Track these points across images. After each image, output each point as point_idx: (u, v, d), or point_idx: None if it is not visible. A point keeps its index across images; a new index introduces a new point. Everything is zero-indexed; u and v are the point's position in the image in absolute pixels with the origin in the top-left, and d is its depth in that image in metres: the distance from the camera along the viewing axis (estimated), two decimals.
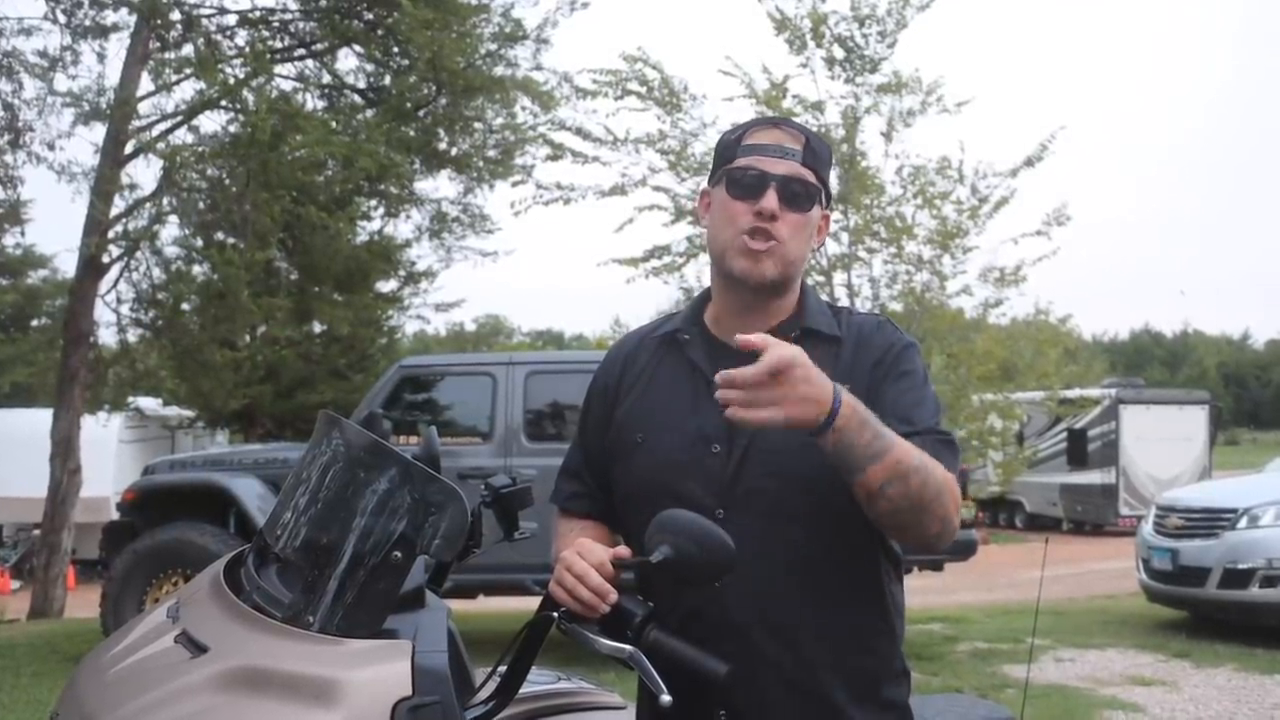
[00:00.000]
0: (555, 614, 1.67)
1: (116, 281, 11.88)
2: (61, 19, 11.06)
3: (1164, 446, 21.23)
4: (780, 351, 1.55)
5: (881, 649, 1.81)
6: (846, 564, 1.75)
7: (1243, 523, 8.83)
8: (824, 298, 1.99)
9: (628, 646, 1.60)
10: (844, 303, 12.20)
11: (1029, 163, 12.09)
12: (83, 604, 10.92)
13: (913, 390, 1.79)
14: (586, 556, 1.65)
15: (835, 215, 12.12)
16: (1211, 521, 9.02)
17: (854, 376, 1.76)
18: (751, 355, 1.69)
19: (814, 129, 11.68)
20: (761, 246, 1.78)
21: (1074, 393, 20.38)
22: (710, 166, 1.95)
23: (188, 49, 11.47)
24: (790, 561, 1.71)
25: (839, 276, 12.33)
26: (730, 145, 1.86)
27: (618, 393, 1.92)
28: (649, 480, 1.79)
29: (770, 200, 1.77)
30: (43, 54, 11.12)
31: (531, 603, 1.80)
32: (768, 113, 11.75)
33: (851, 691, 1.75)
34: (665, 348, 1.91)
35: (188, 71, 11.28)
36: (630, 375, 1.92)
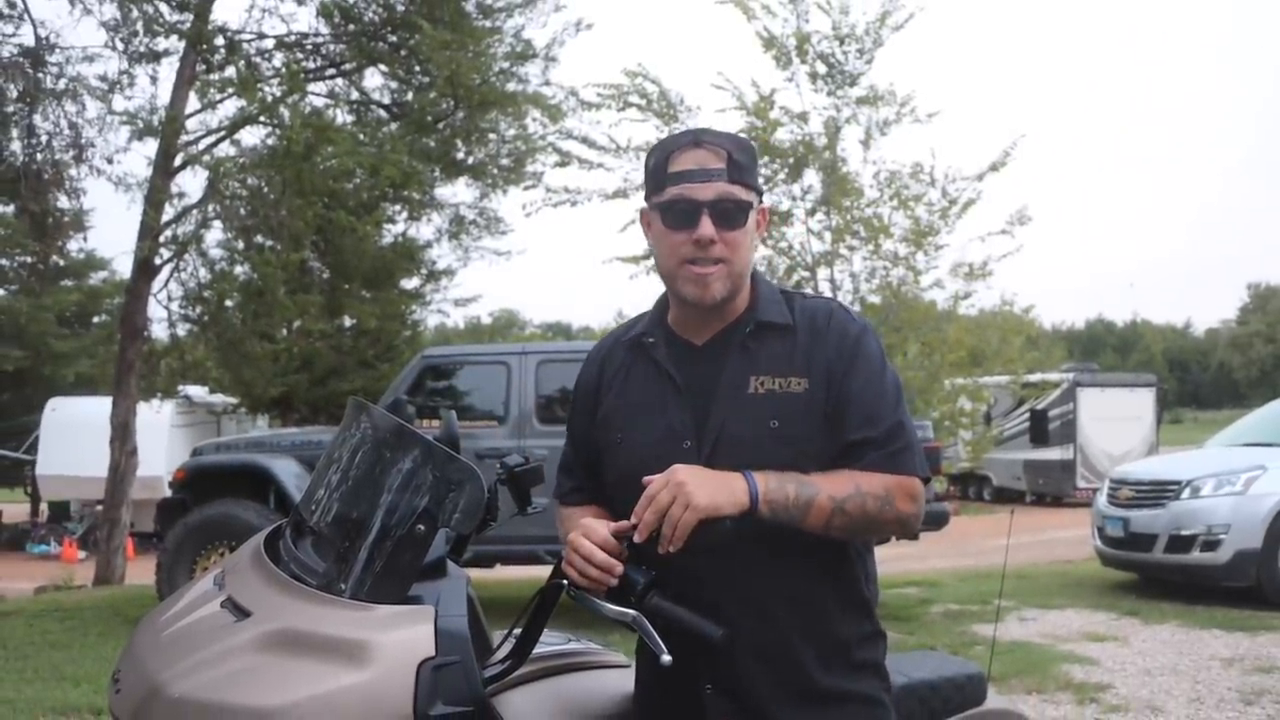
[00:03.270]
0: (565, 582, 1.67)
1: (167, 281, 11.87)
2: (119, 46, 11.06)
3: (1116, 425, 21.22)
4: (655, 490, 1.58)
5: (852, 616, 1.78)
6: (814, 540, 1.69)
7: (1186, 494, 8.82)
8: (774, 282, 1.93)
9: (631, 611, 1.60)
10: (812, 294, 12.20)
11: (993, 168, 12.09)
12: (140, 572, 10.94)
13: (873, 383, 1.73)
14: (591, 536, 1.64)
15: (819, 216, 12.13)
16: (1159, 493, 9.02)
17: (811, 365, 1.73)
18: (709, 352, 1.77)
19: (801, 136, 11.77)
20: (707, 271, 1.72)
21: (1036, 377, 20.36)
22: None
23: (230, 71, 11.43)
24: (760, 540, 1.67)
25: (823, 272, 12.33)
26: (658, 171, 1.77)
27: (598, 393, 1.89)
28: (629, 474, 1.74)
29: (705, 228, 1.70)
30: (103, 78, 11.12)
31: (543, 571, 1.81)
32: (756, 123, 11.73)
33: (822, 658, 1.73)
34: (635, 351, 1.86)
35: (230, 91, 11.25)
36: (607, 376, 1.89)
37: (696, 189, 1.71)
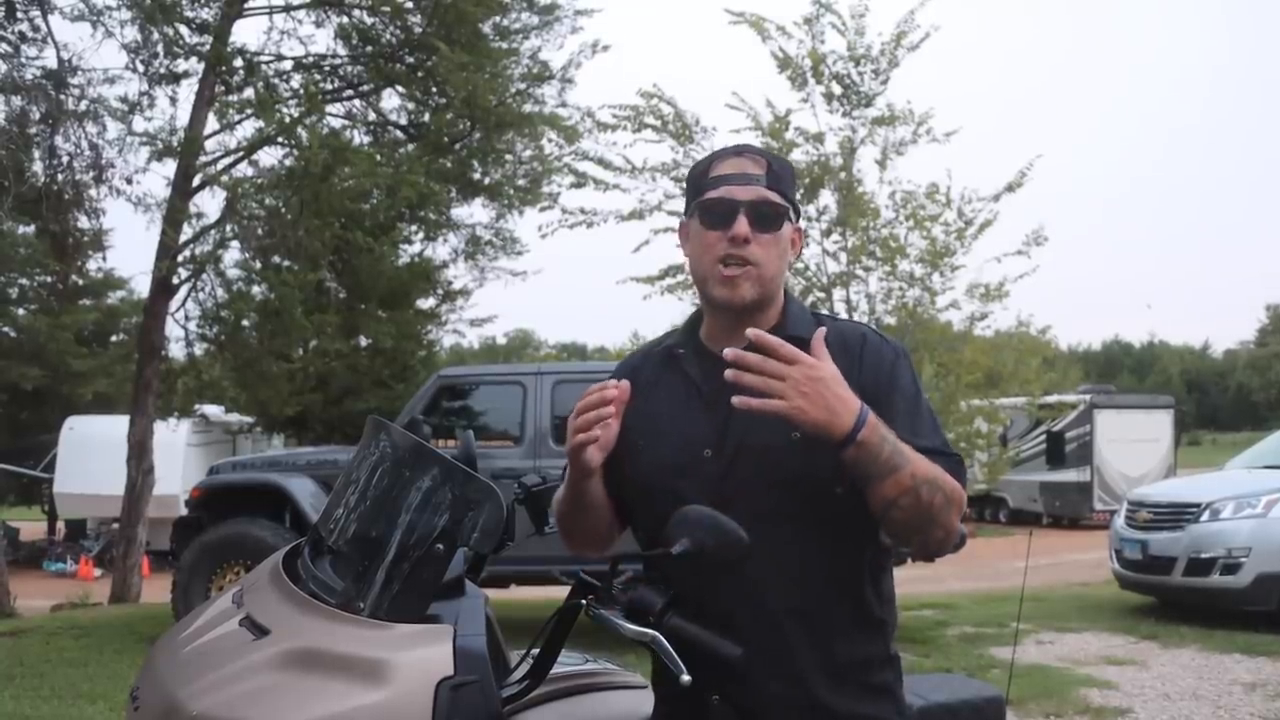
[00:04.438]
0: (583, 601, 1.67)
1: (185, 301, 11.97)
2: (140, 68, 11.21)
3: (1134, 447, 21.08)
4: (830, 366, 1.57)
5: (867, 638, 1.75)
6: (833, 559, 1.70)
7: (1205, 516, 8.74)
8: (807, 305, 1.96)
9: (650, 631, 1.59)
10: (843, 318, 12.21)
11: (1010, 188, 12.05)
12: (156, 590, 10.98)
13: (913, 409, 1.72)
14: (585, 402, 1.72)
15: (834, 236, 12.11)
16: (1177, 515, 8.94)
17: None
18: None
19: (816, 157, 11.79)
20: (737, 272, 1.74)
21: (1052, 398, 20.29)
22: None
23: (249, 92, 11.56)
24: (778, 557, 1.67)
25: (838, 293, 12.30)
26: (700, 178, 1.82)
27: (627, 403, 1.89)
28: (650, 482, 1.76)
29: (741, 226, 1.74)
30: (123, 99, 11.25)
31: (560, 591, 1.80)
32: (773, 145, 11.76)
33: (834, 678, 1.70)
34: (665, 362, 1.88)
35: (249, 112, 11.38)
36: (636, 389, 1.86)
37: (737, 190, 1.76)
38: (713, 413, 1.74)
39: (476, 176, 12.49)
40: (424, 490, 1.69)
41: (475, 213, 13.93)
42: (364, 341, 16.22)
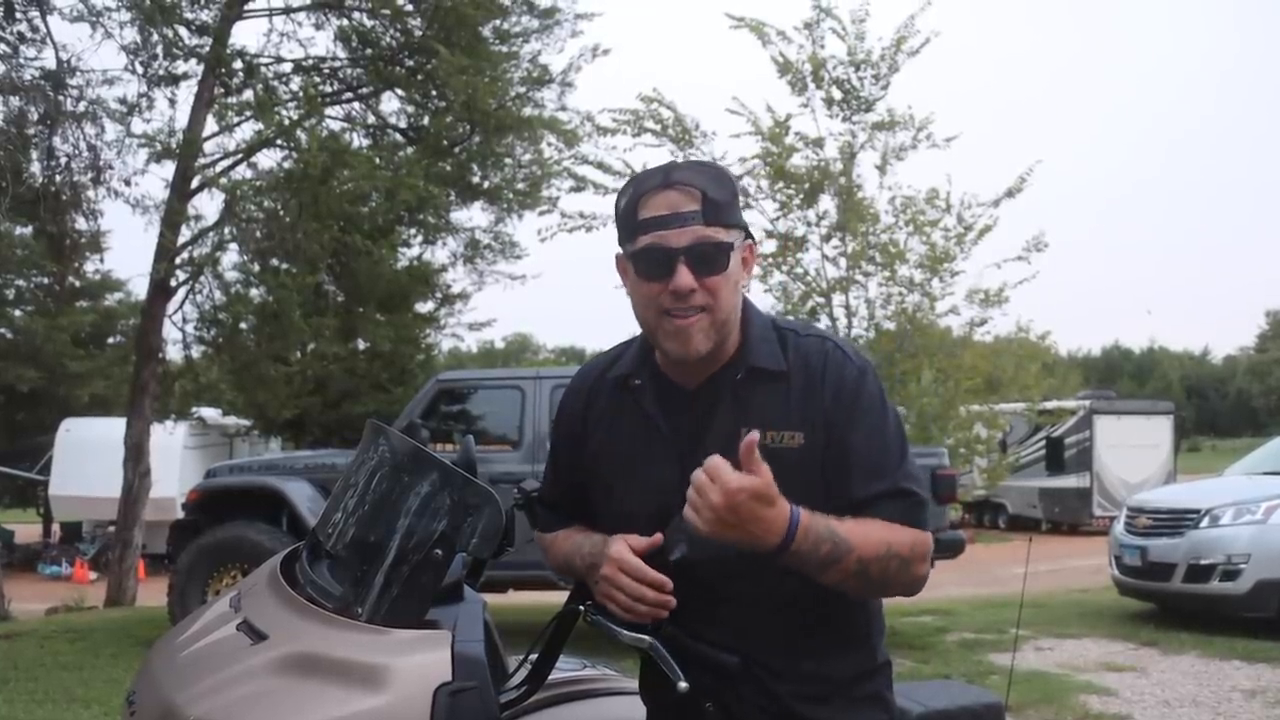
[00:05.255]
0: (581, 607, 1.67)
1: (182, 303, 11.97)
2: (139, 70, 11.20)
3: (1133, 453, 21.07)
4: (745, 484, 1.47)
5: (854, 651, 1.74)
6: (814, 586, 1.63)
7: (1205, 522, 8.74)
8: (769, 313, 1.82)
9: (648, 638, 1.59)
10: (842, 323, 12.31)
11: (1009, 194, 12.07)
12: (152, 594, 10.96)
13: (876, 434, 1.66)
14: (628, 569, 1.60)
15: (834, 241, 12.13)
16: (1177, 521, 8.94)
17: (807, 415, 1.66)
18: (700, 398, 1.69)
19: (816, 161, 11.80)
20: (687, 322, 1.63)
21: (1052, 404, 20.25)
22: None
23: (248, 94, 11.56)
24: (763, 584, 1.64)
25: (838, 298, 12.33)
26: (629, 217, 1.67)
27: (584, 431, 1.82)
28: (620, 526, 1.70)
29: (683, 278, 1.61)
30: (122, 101, 11.25)
31: (558, 596, 1.80)
32: (771, 148, 11.77)
33: (821, 694, 1.69)
34: (621, 391, 1.78)
35: (248, 114, 11.39)
36: (593, 414, 1.82)
37: (671, 235, 1.62)
38: (677, 454, 1.68)
39: (476, 180, 12.50)
40: (422, 495, 1.69)
41: (474, 216, 13.96)
42: (362, 345, 16.23)
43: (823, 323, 12.07)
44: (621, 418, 1.77)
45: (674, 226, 1.62)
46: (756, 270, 12.34)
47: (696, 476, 1.50)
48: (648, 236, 1.63)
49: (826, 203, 12.15)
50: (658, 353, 1.75)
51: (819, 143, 12.00)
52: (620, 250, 1.73)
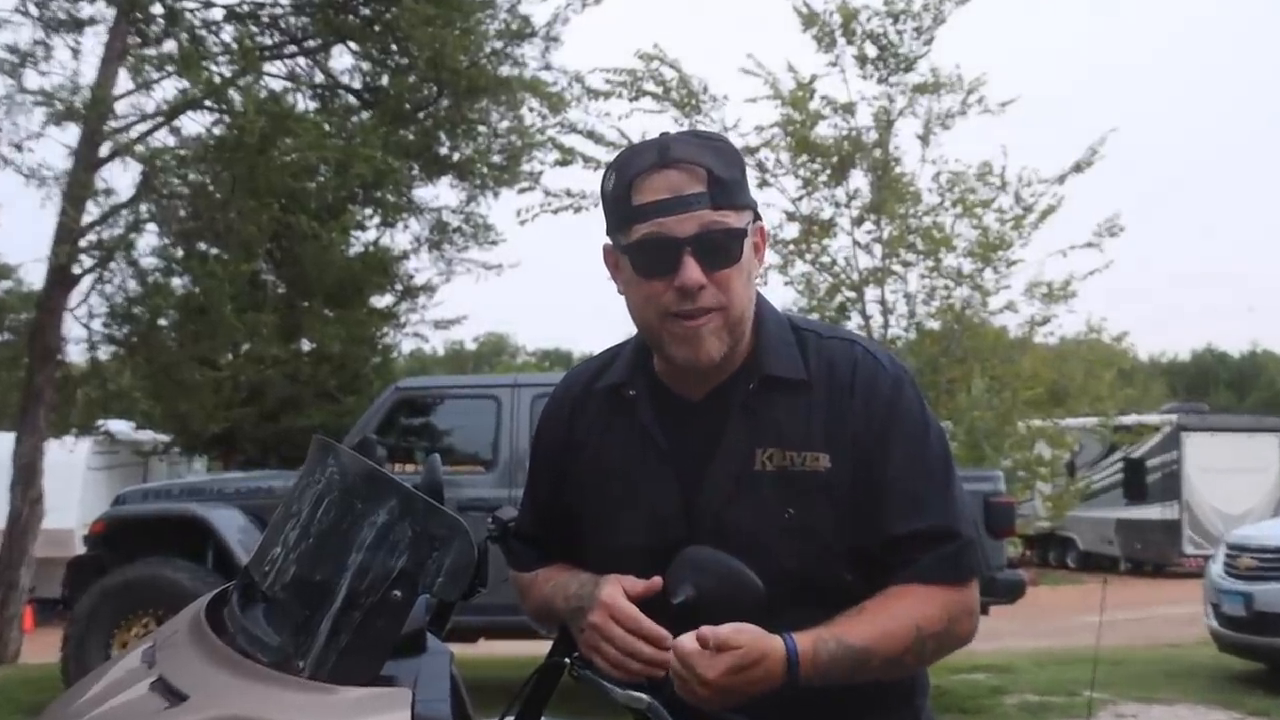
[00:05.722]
0: (567, 659, 1.67)
1: (88, 294, 11.93)
2: (34, 11, 11.18)
3: (1232, 478, 21.07)
4: (721, 669, 1.53)
5: (891, 715, 1.78)
6: None
7: None
8: (787, 311, 1.89)
9: (645, 697, 1.59)
10: (877, 322, 12.30)
11: (1078, 168, 12.10)
12: (42, 648, 10.84)
13: (916, 456, 1.69)
14: (621, 618, 1.63)
15: (867, 225, 12.16)
16: None
17: (832, 432, 1.69)
18: (707, 411, 1.73)
19: (846, 131, 11.83)
20: (696, 324, 1.66)
21: (1130, 418, 20.30)
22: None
23: (170, 45, 11.55)
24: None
25: (871, 292, 12.34)
26: (620, 203, 1.70)
27: (566, 450, 1.87)
28: (613, 564, 1.73)
29: (690, 273, 1.64)
30: (12, 49, 11.21)
31: (540, 647, 1.80)
32: (794, 115, 11.80)
33: None
34: (613, 403, 1.82)
35: (169, 69, 11.36)
36: (580, 429, 1.86)
37: (673, 223, 1.64)
38: (678, 477, 1.73)
39: (444, 151, 12.53)
40: (378, 525, 1.68)
41: (442, 194, 14.00)
42: (307, 345, 16.27)
43: (853, 322, 12.10)
44: (614, 434, 1.80)
45: (677, 212, 1.64)
46: (776, 260, 12.31)
47: (677, 651, 1.55)
48: (645, 225, 1.66)
49: (858, 179, 12.18)
50: (656, 359, 1.79)
51: (849, 108, 12.02)
52: (609, 241, 1.76)
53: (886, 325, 12.31)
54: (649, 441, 1.76)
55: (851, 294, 12.36)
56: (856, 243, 12.30)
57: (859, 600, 1.66)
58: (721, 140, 1.77)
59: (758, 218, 1.76)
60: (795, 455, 1.67)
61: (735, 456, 1.68)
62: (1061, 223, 12.30)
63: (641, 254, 1.68)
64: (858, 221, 12.24)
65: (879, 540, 1.66)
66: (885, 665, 1.62)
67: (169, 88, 11.70)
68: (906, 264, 12.33)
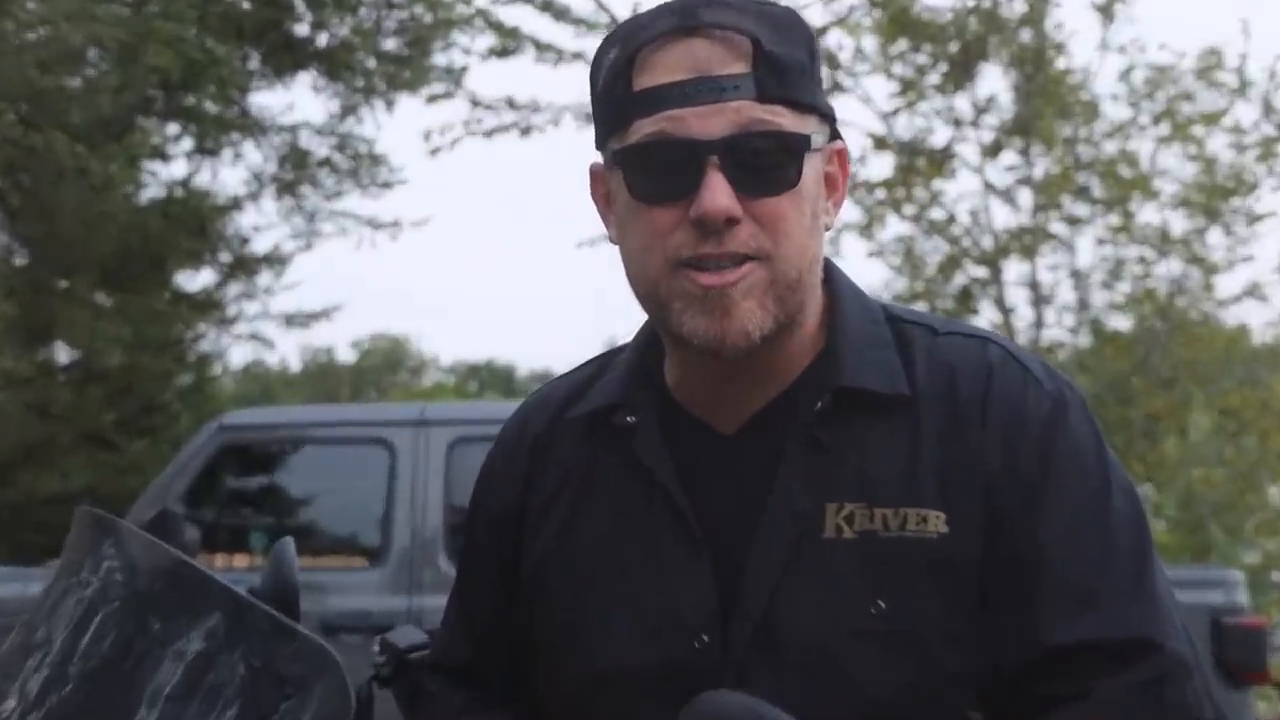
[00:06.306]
0: None
1: None
2: None
3: None
4: None
5: None
6: None
7: None
8: (878, 298, 1.88)
9: None
10: (1024, 315, 12.33)
11: None
12: None
13: (1087, 525, 1.68)
14: None
15: (1009, 159, 12.27)
16: None
17: (951, 480, 1.69)
18: (745, 448, 1.74)
19: (977, 3, 11.87)
20: (724, 279, 1.66)
21: None
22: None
23: None
24: None
25: (1015, 268, 12.44)
26: (618, 89, 1.72)
27: (521, 520, 1.90)
28: (596, 700, 1.76)
29: (716, 193, 1.63)
30: None
31: None
32: None
33: None
34: (597, 438, 1.86)
35: None
36: (541, 488, 1.90)
37: (693, 119, 1.65)
38: (705, 554, 1.74)
39: (302, 31, 12.59)
40: (188, 658, 1.67)
41: (299, 103, 14.07)
42: (65, 355, 16.30)
43: (983, 318, 12.20)
44: (598, 487, 1.83)
45: (701, 100, 1.65)
46: (857, 213, 12.49)
47: None
48: (651, 120, 1.67)
49: (994, 79, 12.32)
50: (668, 366, 1.84)
51: None
52: (598, 159, 1.80)
53: (1040, 323, 12.42)
54: (656, 496, 1.77)
55: (981, 271, 12.45)
56: (990, 186, 12.44)
57: None
58: (782, 7, 1.77)
59: (836, 135, 1.78)
60: (890, 515, 1.66)
61: (793, 516, 1.69)
62: None
63: (642, 164, 1.70)
64: (992, 151, 12.38)
65: (1028, 655, 1.63)
66: None
67: None
68: (1074, 221, 12.45)
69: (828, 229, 1.78)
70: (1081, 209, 12.38)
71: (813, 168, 1.71)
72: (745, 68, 1.65)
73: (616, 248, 1.80)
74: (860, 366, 1.73)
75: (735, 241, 1.64)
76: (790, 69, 1.67)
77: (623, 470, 1.80)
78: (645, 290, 1.74)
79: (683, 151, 1.64)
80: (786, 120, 1.67)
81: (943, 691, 1.64)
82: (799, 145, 1.68)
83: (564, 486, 1.85)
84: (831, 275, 1.81)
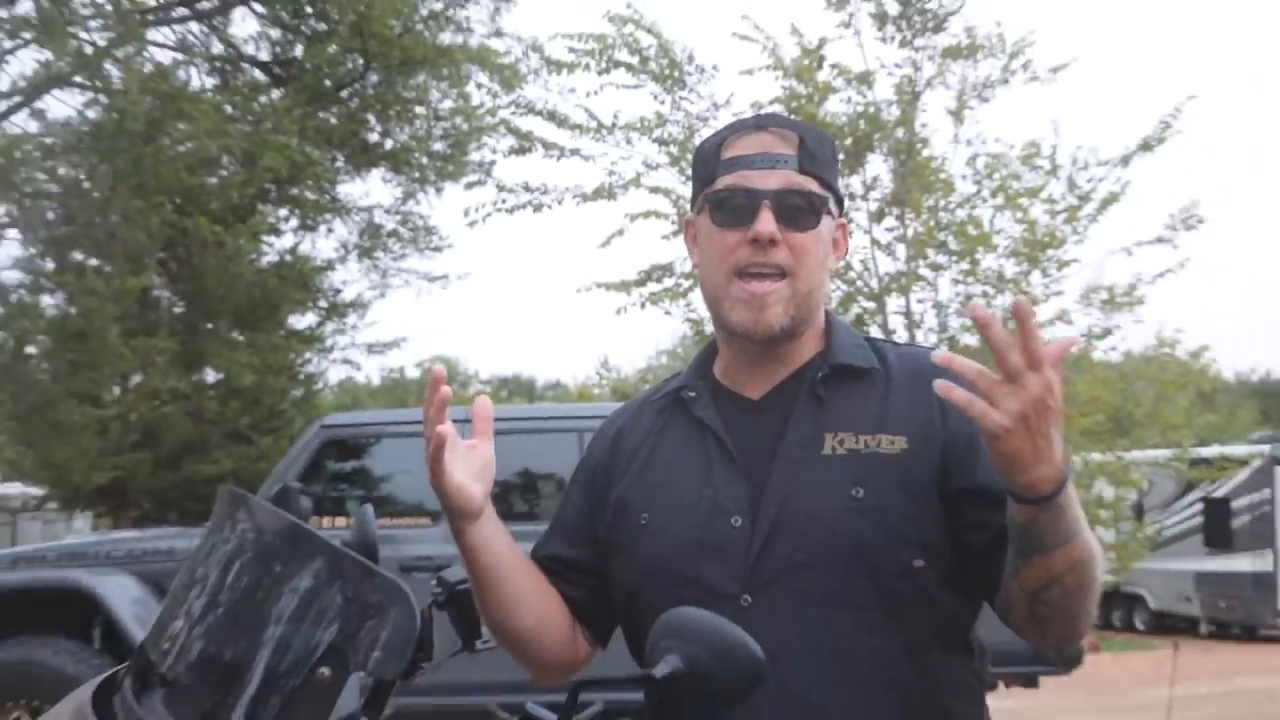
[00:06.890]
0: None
1: None
2: None
3: None
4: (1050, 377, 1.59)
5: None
6: (908, 665, 1.81)
7: None
8: (863, 330, 2.06)
9: None
10: (901, 337, 12.30)
11: (1146, 146, 12.14)
12: None
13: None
14: None
15: (889, 222, 12.25)
16: None
17: (912, 419, 1.88)
18: (769, 407, 1.94)
19: (862, 106, 11.86)
20: (763, 288, 1.90)
21: (1212, 450, 20.33)
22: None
23: (26, 5, 11.50)
24: (836, 655, 1.80)
25: (894, 302, 12.40)
26: (708, 161, 1.99)
27: (609, 476, 2.06)
28: (657, 569, 1.89)
29: (765, 222, 1.88)
30: None
31: None
32: (799, 89, 11.88)
33: None
34: (669, 411, 2.05)
35: (27, 36, 11.29)
36: (624, 453, 2.06)
37: (758, 176, 1.91)
38: (742, 470, 1.91)
39: (373, 138, 12.57)
40: (301, 592, 1.69)
41: (373, 190, 14.08)
42: (211, 376, 16.21)
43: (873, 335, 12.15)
44: (666, 438, 2.03)
45: (762, 166, 1.92)
46: None
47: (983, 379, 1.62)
48: (730, 177, 1.93)
49: (877, 165, 12.29)
50: (717, 362, 2.05)
51: (865, 79, 12.11)
52: (691, 213, 2.05)
53: (912, 342, 12.36)
54: (708, 435, 1.96)
55: (870, 304, 12.41)
56: (876, 242, 12.38)
57: (927, 599, 1.81)
58: (821, 130, 2.08)
59: (844, 212, 2.04)
60: (869, 439, 1.88)
61: (804, 440, 1.89)
62: (1126, 214, 12.42)
63: (720, 204, 1.94)
64: (877, 217, 12.33)
65: (983, 499, 1.79)
66: (1080, 556, 1.68)
67: (27, 60, 11.71)
68: (936, 267, 12.42)
69: (831, 271, 2.04)
70: (942, 258, 12.33)
71: (827, 225, 1.96)
72: (792, 151, 1.93)
73: (697, 268, 2.03)
74: (845, 352, 1.97)
75: (775, 257, 1.89)
76: (819, 158, 1.95)
77: (686, 424, 2.01)
78: (711, 292, 1.98)
79: (748, 196, 1.90)
80: (814, 187, 1.93)
81: (898, 546, 1.81)
82: (820, 203, 1.93)
83: (646, 439, 2.05)
84: (829, 314, 2.04)
